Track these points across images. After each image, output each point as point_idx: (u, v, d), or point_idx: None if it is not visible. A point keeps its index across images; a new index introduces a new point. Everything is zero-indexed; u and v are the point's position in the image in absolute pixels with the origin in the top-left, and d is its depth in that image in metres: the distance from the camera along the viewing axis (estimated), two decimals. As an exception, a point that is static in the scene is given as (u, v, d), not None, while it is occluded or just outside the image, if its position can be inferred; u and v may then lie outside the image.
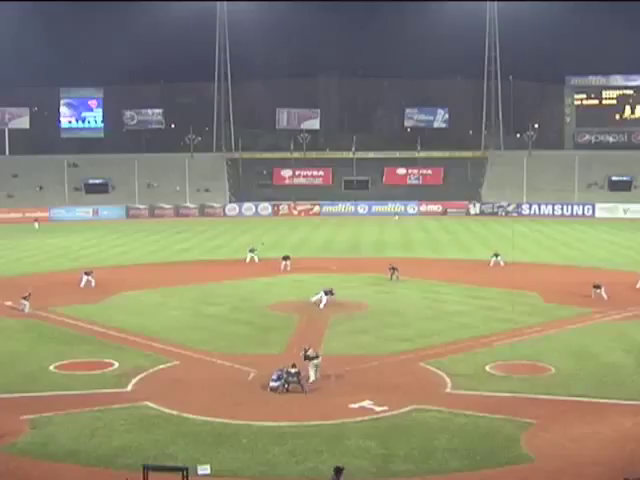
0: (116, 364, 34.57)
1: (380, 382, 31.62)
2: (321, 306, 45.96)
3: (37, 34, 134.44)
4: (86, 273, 55.12)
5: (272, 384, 30.06)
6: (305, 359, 31.77)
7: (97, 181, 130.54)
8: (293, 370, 30.08)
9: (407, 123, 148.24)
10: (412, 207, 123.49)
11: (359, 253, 73.83)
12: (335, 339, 39.39)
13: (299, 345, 34.60)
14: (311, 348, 32.52)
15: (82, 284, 54.11)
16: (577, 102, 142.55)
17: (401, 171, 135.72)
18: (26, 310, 45.68)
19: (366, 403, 28.74)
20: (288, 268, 62.26)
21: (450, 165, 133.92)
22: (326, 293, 46.87)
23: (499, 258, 64.66)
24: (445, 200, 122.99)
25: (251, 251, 67.71)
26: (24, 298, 46.33)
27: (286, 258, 63.19)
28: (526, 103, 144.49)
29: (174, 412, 27.98)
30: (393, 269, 57.32)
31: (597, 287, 49.29)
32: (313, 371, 31.63)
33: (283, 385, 29.87)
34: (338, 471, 17.69)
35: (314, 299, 47.08)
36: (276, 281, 58.48)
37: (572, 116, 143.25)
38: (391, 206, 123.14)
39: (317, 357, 31.92)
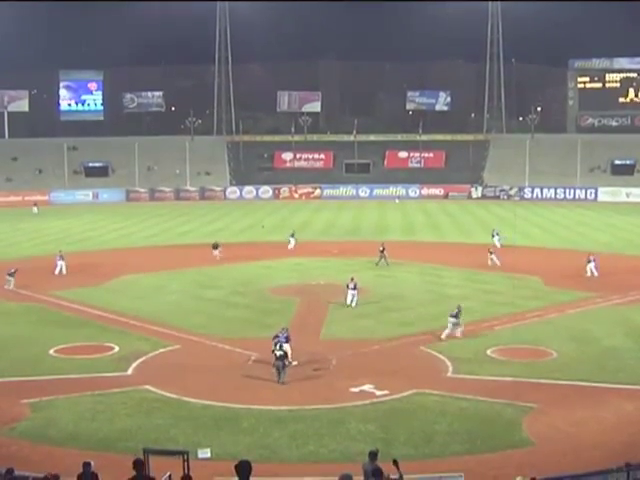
0: (116, 348, 34.65)
1: (381, 366, 31.68)
2: (353, 304, 42.49)
3: (36, 16, 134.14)
4: (60, 258, 53.49)
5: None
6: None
7: (97, 164, 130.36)
8: (278, 353, 29.80)
9: (409, 106, 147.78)
10: (413, 190, 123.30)
11: (360, 236, 73.80)
12: (336, 323, 39.45)
13: (300, 329, 34.64)
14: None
15: (57, 271, 52.86)
16: (580, 85, 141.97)
17: (402, 154, 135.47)
18: (10, 287, 46.39)
19: (367, 387, 28.80)
20: (218, 257, 59.93)
21: (452, 148, 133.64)
22: (349, 287, 42.69)
23: (498, 238, 64.65)
24: (447, 183, 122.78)
25: (292, 236, 65.61)
26: (10, 274, 46.99)
27: (216, 246, 60.68)
28: (529, 86, 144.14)
29: (174, 396, 28.05)
30: (382, 251, 56.94)
31: (589, 261, 50.78)
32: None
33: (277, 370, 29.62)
34: (373, 455, 17.43)
35: (349, 299, 42.94)
36: (276, 264, 58.51)
37: (575, 99, 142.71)
38: (392, 189, 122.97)
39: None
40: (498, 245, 63.15)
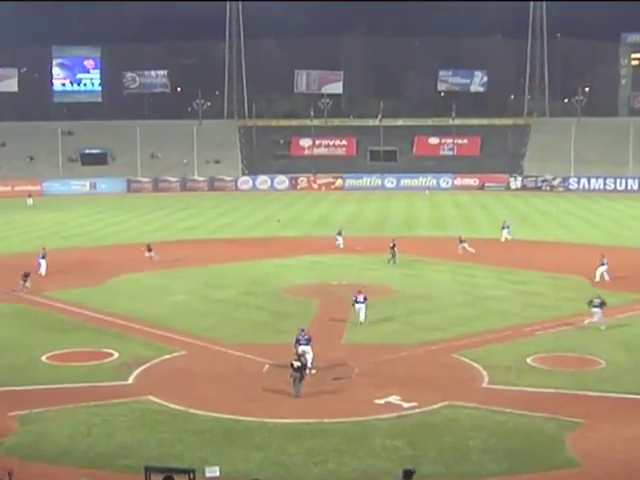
0: (116, 354, 34.71)
1: (408, 375, 31.57)
2: (361, 318, 39.81)
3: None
4: (42, 257, 53.29)
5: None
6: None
7: (94, 151, 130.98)
8: (296, 364, 29.52)
9: (440, 87, 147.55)
10: (445, 181, 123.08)
11: (385, 232, 73.64)
12: (359, 327, 39.37)
13: (319, 333, 34.58)
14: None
15: (41, 270, 52.52)
16: (634, 62, 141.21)
17: (433, 140, 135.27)
18: (23, 288, 46.38)
19: (393, 398, 28.73)
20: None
21: (488, 134, 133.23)
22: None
23: (508, 231, 66.75)
24: (482, 173, 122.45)
25: (339, 233, 65.14)
26: (23, 277, 46.80)
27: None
28: (575, 64, 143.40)
29: (180, 407, 28.07)
30: (393, 247, 57.00)
31: (602, 263, 49.85)
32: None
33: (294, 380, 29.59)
34: (408, 475, 17.29)
35: (362, 316, 40.06)
36: (292, 262, 58.56)
37: (628, 78, 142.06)
38: (422, 180, 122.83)
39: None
40: (508, 238, 65.98)
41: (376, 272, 54.42)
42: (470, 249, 59.71)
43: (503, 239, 66.74)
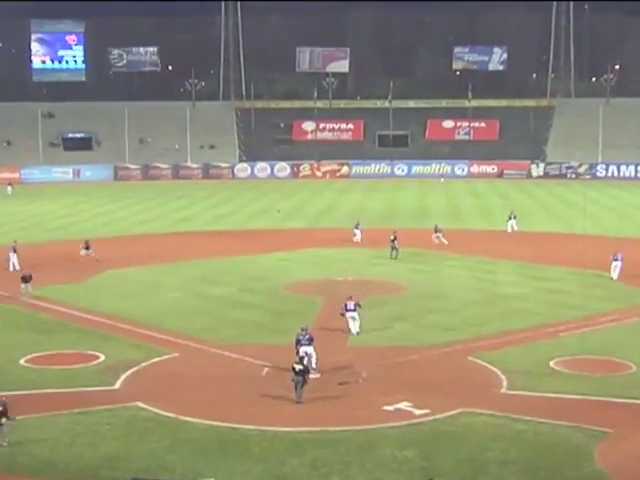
0: (101, 357, 34.71)
1: (420, 380, 31.59)
2: (354, 330, 38.22)
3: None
4: (13, 250, 53.17)
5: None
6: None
7: (78, 135, 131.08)
8: (298, 367, 29.42)
9: (456, 65, 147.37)
10: (461, 168, 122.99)
11: (395, 223, 73.49)
12: (366, 327, 39.36)
13: (323, 334, 34.56)
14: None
15: (11, 267, 52.50)
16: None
17: (448, 124, 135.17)
18: (25, 292, 45.33)
19: (403, 405, 28.74)
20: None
21: (508, 116, 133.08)
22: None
23: (515, 222, 67.92)
24: (501, 159, 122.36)
25: (357, 227, 64.47)
26: (25, 280, 45.57)
27: None
28: (604, 40, 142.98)
29: (171, 415, 28.09)
30: (393, 240, 57.05)
31: (615, 259, 49.53)
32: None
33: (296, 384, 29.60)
34: None
35: (354, 327, 38.41)
36: (294, 257, 58.60)
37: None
38: (435, 167, 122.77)
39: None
40: (514, 229, 67.39)
41: (385, 267, 54.41)
42: (443, 240, 61.22)
43: (510, 229, 67.73)
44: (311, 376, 30.20)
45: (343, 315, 38.24)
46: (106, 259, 56.51)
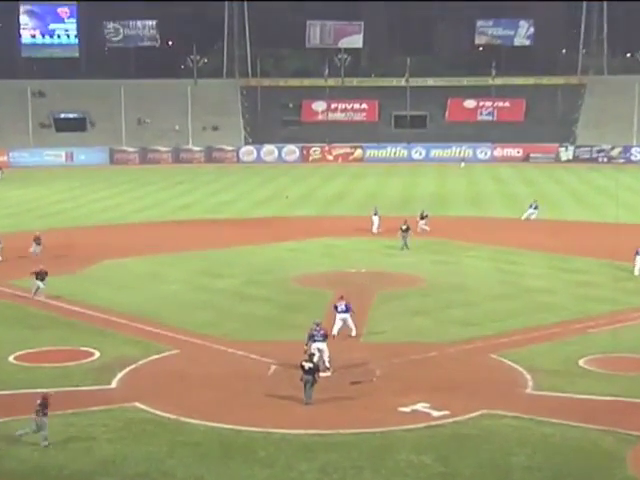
0: (96, 353, 34.78)
1: (439, 379, 31.62)
2: (335, 331, 36.16)
3: None
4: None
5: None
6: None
7: (71, 115, 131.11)
8: (307, 365, 29.41)
9: (478, 40, 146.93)
10: (483, 151, 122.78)
11: (413, 211, 73.42)
12: (381, 322, 39.41)
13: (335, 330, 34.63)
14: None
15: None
16: None
17: (469, 104, 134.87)
18: (40, 296, 43.40)
19: (421, 406, 28.75)
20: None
21: (535, 95, 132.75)
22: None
23: (533, 212, 68.24)
24: (527, 142, 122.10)
25: (376, 214, 64.10)
26: (38, 276, 43.60)
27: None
28: None
29: (171, 416, 28.13)
30: (405, 230, 57.01)
31: (637, 253, 48.87)
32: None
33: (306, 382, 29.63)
34: None
35: (336, 329, 36.65)
36: (303, 247, 58.65)
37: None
38: (455, 150, 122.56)
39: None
40: (531, 218, 67.98)
41: (401, 258, 54.40)
42: (425, 227, 61.85)
43: (524, 217, 68.21)
44: (322, 374, 30.23)
45: (335, 313, 36.92)
46: (101, 248, 56.63)
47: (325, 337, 32.19)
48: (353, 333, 36.86)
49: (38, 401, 25.75)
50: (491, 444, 25.90)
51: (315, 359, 30.19)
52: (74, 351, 35.21)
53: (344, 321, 36.54)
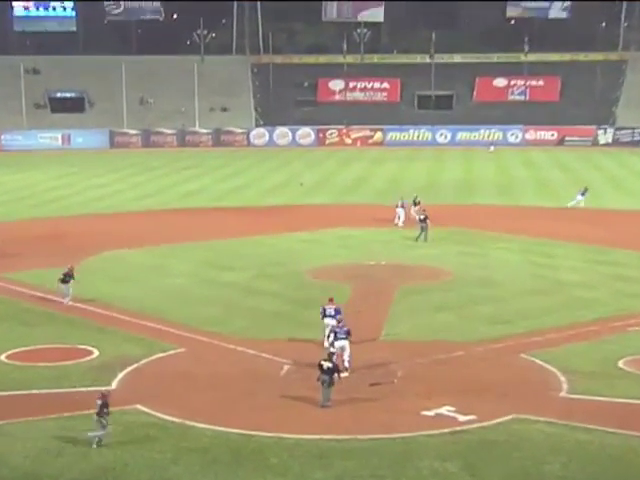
0: (95, 352, 34.87)
1: (465, 380, 31.60)
2: (327, 343, 34.15)
3: None
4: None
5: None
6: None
7: (68, 95, 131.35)
8: (326, 365, 29.48)
9: (510, 13, 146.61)
10: (514, 134, 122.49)
11: (437, 199, 73.47)
12: (402, 319, 39.40)
13: (353, 327, 34.61)
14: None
15: None
16: None
17: (500, 82, 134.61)
18: (67, 299, 42.01)
19: (445, 410, 28.76)
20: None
21: (571, 73, 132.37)
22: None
23: (581, 199, 68.21)
24: (562, 124, 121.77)
25: (401, 205, 63.43)
26: (64, 279, 41.96)
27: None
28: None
29: (176, 420, 28.18)
30: (424, 220, 56.85)
31: None
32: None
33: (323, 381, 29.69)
34: None
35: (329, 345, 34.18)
36: (319, 237, 58.69)
37: None
38: (484, 133, 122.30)
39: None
40: (578, 206, 67.81)
41: (424, 250, 54.35)
42: (414, 214, 61.25)
43: (571, 205, 68.33)
44: (343, 375, 30.26)
45: (323, 318, 35.69)
46: (100, 238, 56.74)
47: (348, 334, 32.24)
48: (345, 359, 32.83)
49: (98, 401, 25.98)
50: (522, 451, 25.88)
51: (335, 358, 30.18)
52: (71, 349, 35.30)
53: (332, 328, 33.77)
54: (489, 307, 41.40)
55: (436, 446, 26.13)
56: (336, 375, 29.60)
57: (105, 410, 25.91)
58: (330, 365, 29.30)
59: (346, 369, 31.62)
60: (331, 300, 36.25)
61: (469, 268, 49.37)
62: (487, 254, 53.41)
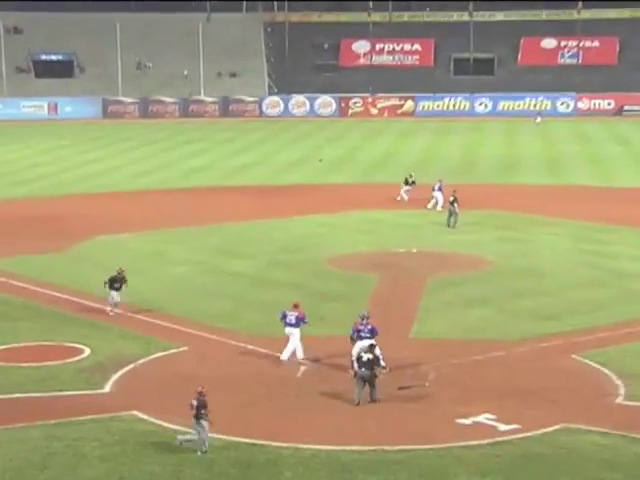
0: (86, 350, 34.95)
1: (507, 384, 31.61)
2: (285, 356, 34.23)
3: None
4: None
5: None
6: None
7: (54, 57, 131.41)
8: (366, 357, 29.80)
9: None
10: (565, 103, 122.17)
11: (475, 177, 73.44)
12: (435, 314, 39.44)
13: (379, 323, 34.66)
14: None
15: None
16: None
17: (549, 43, 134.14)
18: (113, 308, 39.82)
19: (484, 418, 28.76)
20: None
21: (631, 33, 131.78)
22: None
23: None
24: (621, 91, 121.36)
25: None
26: (113, 285, 39.54)
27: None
28: None
29: (178, 428, 28.17)
30: (453, 202, 56.67)
31: None
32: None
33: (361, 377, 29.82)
34: None
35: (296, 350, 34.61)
36: (339, 221, 58.70)
37: None
38: (530, 101, 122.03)
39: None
40: None
41: (460, 236, 54.24)
42: (405, 195, 63.58)
43: None
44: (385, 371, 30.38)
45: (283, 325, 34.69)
46: (93, 221, 56.85)
47: (373, 332, 32.11)
48: (298, 355, 34.05)
49: (194, 402, 26.11)
50: (571, 466, 25.85)
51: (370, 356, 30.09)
52: (59, 348, 35.42)
53: (292, 336, 33.99)
54: (534, 301, 41.34)
55: (474, 459, 26.13)
56: (378, 368, 29.70)
57: (203, 411, 25.97)
58: (371, 356, 29.46)
59: (383, 368, 31.22)
60: (296, 306, 34.93)
61: (511, 256, 49.30)
62: (532, 240, 53.28)
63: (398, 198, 63.22)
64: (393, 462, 25.90)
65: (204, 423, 25.96)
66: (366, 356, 29.44)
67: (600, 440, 27.30)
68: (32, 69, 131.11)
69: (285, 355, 34.01)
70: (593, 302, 40.93)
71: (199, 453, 25.79)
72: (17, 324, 38.33)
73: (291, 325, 34.19)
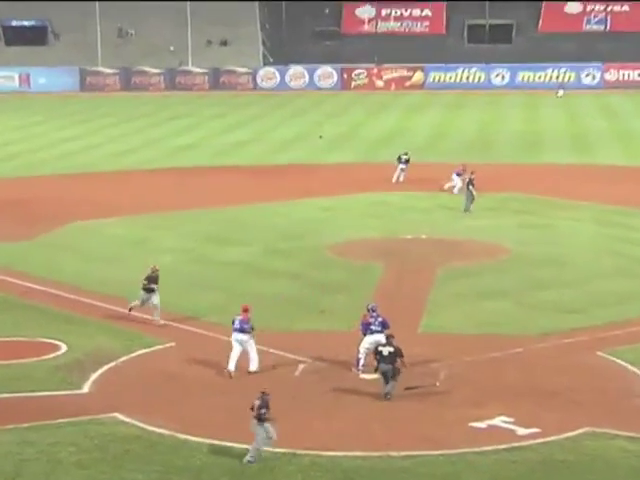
0: (63, 347, 35.01)
1: (525, 384, 31.66)
2: (231, 366, 33.35)
3: None
4: None
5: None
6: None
7: (26, 23, 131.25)
8: (386, 350, 30.03)
9: None
10: (590, 74, 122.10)
11: (491, 156, 73.45)
12: (446, 307, 39.52)
13: (386, 316, 34.80)
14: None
15: None
16: None
17: (572, 7, 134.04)
18: (158, 316, 38.85)
19: (500, 421, 28.82)
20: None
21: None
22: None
23: None
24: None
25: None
26: (147, 287, 38.68)
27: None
28: None
29: (165, 431, 28.26)
30: (469, 184, 56.57)
31: None
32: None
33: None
34: None
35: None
36: (342, 204, 58.74)
37: None
38: (552, 72, 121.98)
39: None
40: None
41: (475, 221, 54.24)
42: (400, 175, 64.21)
43: None
44: (369, 377, 30.43)
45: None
46: (70, 205, 56.87)
47: (384, 326, 32.25)
48: (252, 367, 33.26)
49: (257, 402, 26.18)
50: (596, 474, 25.92)
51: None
52: (32, 343, 35.51)
53: (241, 345, 33.26)
54: (555, 293, 41.41)
55: (489, 466, 26.21)
56: (402, 359, 29.87)
57: (263, 411, 25.98)
58: (392, 349, 29.63)
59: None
60: (245, 310, 34.08)
61: (531, 244, 49.38)
62: (554, 226, 53.33)
63: (394, 180, 63.55)
64: (400, 469, 26.00)
65: (266, 425, 25.85)
66: (386, 350, 29.67)
67: (628, 446, 27.38)
68: (1, 36, 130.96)
69: (232, 365, 32.83)
70: (620, 294, 41.00)
71: (244, 461, 25.75)
72: (-13, 318, 38.45)
73: (240, 330, 33.25)
